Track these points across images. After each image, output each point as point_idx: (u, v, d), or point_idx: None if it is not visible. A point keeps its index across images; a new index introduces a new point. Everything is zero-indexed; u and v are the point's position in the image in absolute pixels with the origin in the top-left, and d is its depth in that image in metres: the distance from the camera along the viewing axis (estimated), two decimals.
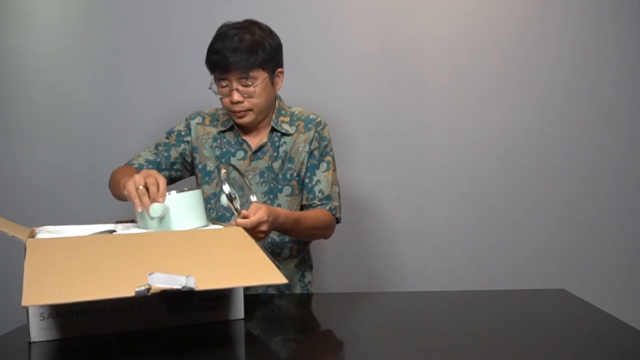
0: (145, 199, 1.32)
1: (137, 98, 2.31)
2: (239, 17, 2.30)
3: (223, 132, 1.71)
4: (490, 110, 2.30)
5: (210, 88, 1.66)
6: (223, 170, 1.40)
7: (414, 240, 2.34)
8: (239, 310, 1.26)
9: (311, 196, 1.68)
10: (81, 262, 1.08)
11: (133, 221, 1.46)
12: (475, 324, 1.26)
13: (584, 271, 2.29)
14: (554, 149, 2.30)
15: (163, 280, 0.99)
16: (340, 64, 2.31)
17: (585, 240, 2.31)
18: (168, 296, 1.18)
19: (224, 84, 1.62)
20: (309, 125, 1.71)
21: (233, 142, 1.70)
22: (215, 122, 1.74)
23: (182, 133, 1.73)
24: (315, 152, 1.70)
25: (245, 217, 1.36)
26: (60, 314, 1.13)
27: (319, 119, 1.72)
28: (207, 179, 1.70)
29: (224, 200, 1.36)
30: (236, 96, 1.60)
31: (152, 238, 1.23)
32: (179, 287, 0.99)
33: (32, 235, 1.27)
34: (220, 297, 1.24)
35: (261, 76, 1.59)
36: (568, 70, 2.29)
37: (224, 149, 1.70)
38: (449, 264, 2.31)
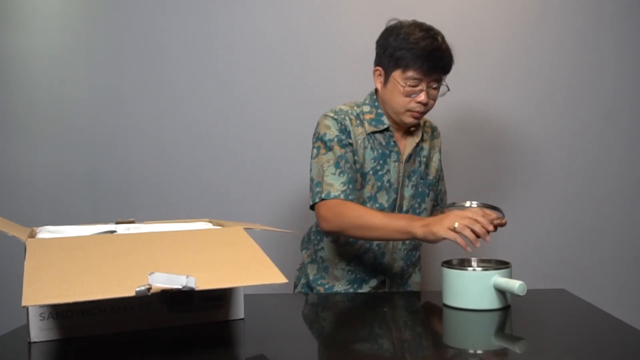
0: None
1: (137, 98, 2.30)
2: (239, 17, 2.31)
3: (374, 133, 1.67)
4: (490, 110, 2.30)
5: (404, 86, 1.58)
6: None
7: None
8: (239, 310, 1.26)
9: (440, 203, 1.84)
10: (81, 262, 1.08)
11: (133, 221, 1.46)
12: (476, 324, 1.26)
13: (584, 271, 2.29)
14: (554, 149, 2.30)
15: (163, 280, 0.99)
16: (340, 64, 2.31)
17: (585, 240, 2.31)
18: (168, 296, 1.18)
19: (415, 84, 1.58)
20: (434, 133, 1.80)
21: (384, 144, 1.68)
22: (360, 122, 1.67)
23: (342, 137, 1.62)
24: (441, 163, 1.81)
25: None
26: (60, 314, 1.12)
27: (438, 128, 1.82)
28: (363, 182, 1.66)
29: None
30: (425, 97, 1.59)
31: (152, 238, 1.23)
32: (179, 286, 0.99)
33: (32, 235, 1.27)
34: (220, 297, 1.24)
35: (444, 81, 1.63)
36: (568, 70, 2.29)
37: (380, 151, 1.67)
38: None
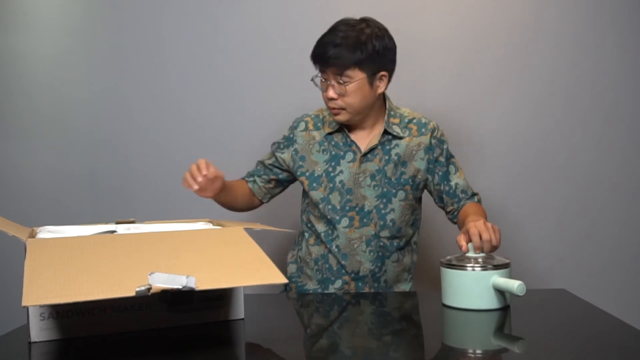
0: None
1: (137, 98, 2.30)
2: (239, 17, 2.31)
3: (330, 134, 1.70)
4: (490, 110, 2.30)
5: (312, 80, 1.66)
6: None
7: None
8: (239, 310, 1.26)
9: (456, 199, 1.72)
10: (81, 262, 1.08)
11: (133, 221, 1.46)
12: (476, 324, 1.26)
13: (584, 271, 2.29)
14: (554, 149, 2.30)
15: (163, 280, 0.99)
16: None
17: (585, 240, 2.31)
18: (168, 296, 1.18)
19: (324, 79, 1.62)
20: (423, 130, 1.71)
21: (341, 144, 1.69)
22: (320, 125, 1.73)
23: (282, 146, 1.78)
24: (441, 159, 1.72)
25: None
26: (60, 314, 1.13)
27: (432, 124, 1.73)
28: (314, 184, 1.69)
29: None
30: (330, 92, 1.60)
31: (152, 238, 1.24)
32: (180, 286, 0.99)
33: (32, 235, 1.27)
34: (220, 297, 1.24)
35: (357, 76, 1.58)
36: (568, 70, 2.29)
37: (333, 152, 1.69)
38: None
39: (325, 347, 1.16)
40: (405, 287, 1.76)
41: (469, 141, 2.31)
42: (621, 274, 2.30)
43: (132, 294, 0.96)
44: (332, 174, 1.68)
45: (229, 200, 1.73)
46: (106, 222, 1.41)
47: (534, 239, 2.30)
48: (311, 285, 1.74)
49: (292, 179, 1.81)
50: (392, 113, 1.71)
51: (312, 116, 1.76)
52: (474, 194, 1.76)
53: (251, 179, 1.81)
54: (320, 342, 1.21)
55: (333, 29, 1.62)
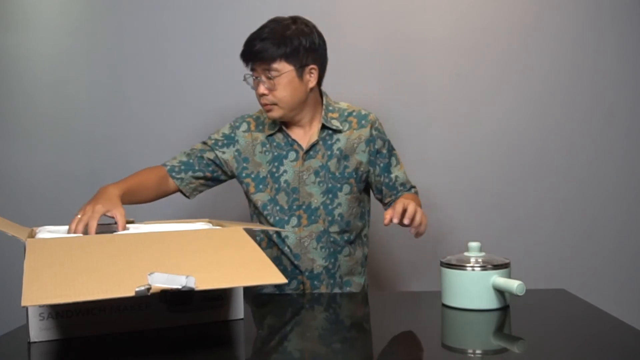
0: (80, 229, 1.32)
1: (137, 98, 2.30)
2: (239, 17, 2.31)
3: (271, 135, 1.70)
4: (490, 110, 2.30)
5: (244, 80, 1.66)
6: None
7: (413, 240, 2.33)
8: (239, 310, 1.26)
9: (395, 192, 1.74)
10: (81, 262, 1.08)
11: (133, 221, 1.46)
12: (476, 324, 1.26)
13: (584, 271, 2.29)
14: (554, 149, 2.30)
15: (163, 280, 0.99)
16: (340, 64, 2.31)
17: (585, 240, 2.31)
18: (168, 296, 1.18)
19: (254, 76, 1.63)
20: (362, 122, 1.71)
21: (283, 144, 1.69)
22: (261, 127, 1.72)
23: (220, 144, 1.72)
24: (383, 150, 1.73)
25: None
26: (60, 314, 1.13)
27: (372, 115, 1.73)
28: (260, 186, 1.69)
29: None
30: (261, 88, 1.61)
31: (152, 238, 1.24)
32: (179, 286, 0.99)
33: (32, 235, 1.27)
34: (220, 297, 1.24)
35: (285, 68, 1.59)
36: (568, 70, 2.29)
37: (275, 153, 1.69)
38: None
39: (325, 347, 1.16)
40: (359, 280, 1.75)
41: (469, 141, 2.31)
42: (621, 274, 2.30)
43: (131, 294, 0.96)
44: (276, 175, 1.68)
45: (134, 202, 1.61)
46: (106, 223, 1.41)
47: (534, 239, 2.30)
48: (268, 288, 1.71)
49: (225, 180, 1.76)
50: (330, 108, 1.71)
51: (254, 117, 1.75)
52: (412, 187, 1.78)
53: (180, 175, 1.69)
54: (319, 342, 1.21)
55: (261, 27, 1.64)
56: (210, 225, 1.44)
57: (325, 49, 1.69)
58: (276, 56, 1.57)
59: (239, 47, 2.44)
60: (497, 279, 1.28)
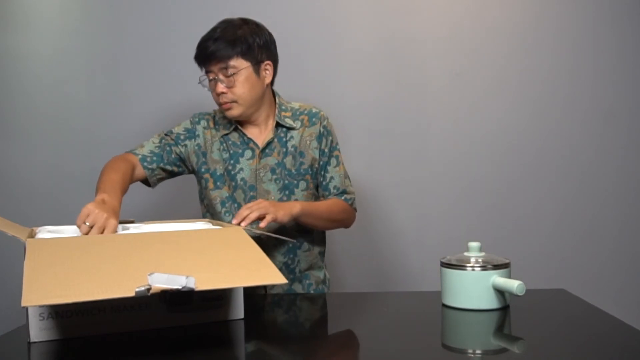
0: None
1: (137, 98, 2.30)
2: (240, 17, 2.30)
3: (226, 134, 1.71)
4: (490, 111, 2.30)
5: (200, 82, 1.67)
6: None
7: (414, 240, 2.34)
8: (239, 310, 1.26)
9: (327, 193, 1.72)
10: (81, 262, 1.08)
11: (133, 221, 1.46)
12: (476, 324, 1.26)
13: (584, 271, 2.29)
14: (554, 149, 2.30)
15: (163, 280, 0.99)
16: (340, 64, 2.31)
17: (585, 240, 2.31)
18: (168, 296, 1.18)
19: (210, 77, 1.63)
20: (314, 119, 1.72)
21: (239, 143, 1.70)
22: (217, 126, 1.73)
23: (182, 137, 1.72)
24: (325, 149, 1.72)
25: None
26: (60, 314, 1.13)
27: (322, 113, 1.74)
28: (218, 183, 1.69)
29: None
30: (220, 87, 1.61)
31: (152, 238, 1.24)
32: (179, 287, 0.99)
33: (32, 235, 1.27)
34: (220, 297, 1.24)
35: (242, 65, 1.60)
36: (568, 70, 2.29)
37: (232, 151, 1.70)
38: None
39: (325, 347, 1.16)
40: (319, 274, 1.76)
41: (469, 141, 2.31)
42: (621, 274, 2.30)
43: (131, 294, 0.96)
44: (232, 172, 1.69)
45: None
46: None
47: (534, 239, 2.30)
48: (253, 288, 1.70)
49: (185, 173, 1.76)
50: (283, 107, 1.73)
51: (211, 114, 1.76)
52: (344, 192, 1.73)
53: (151, 165, 1.68)
54: (319, 342, 1.21)
55: (212, 28, 1.65)
56: (210, 225, 1.44)
57: (276, 47, 1.71)
58: (232, 54, 1.59)
59: None
60: (497, 279, 1.28)
